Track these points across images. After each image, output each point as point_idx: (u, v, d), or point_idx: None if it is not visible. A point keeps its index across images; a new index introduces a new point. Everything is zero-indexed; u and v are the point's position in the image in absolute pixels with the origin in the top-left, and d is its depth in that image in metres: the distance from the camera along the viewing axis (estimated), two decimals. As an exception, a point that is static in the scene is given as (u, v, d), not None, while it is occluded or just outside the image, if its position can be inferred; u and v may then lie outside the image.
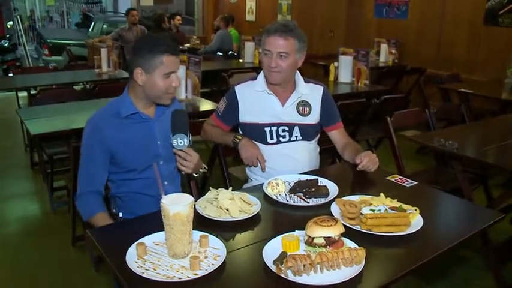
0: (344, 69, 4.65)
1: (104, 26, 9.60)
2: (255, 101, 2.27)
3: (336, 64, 4.77)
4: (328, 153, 3.41)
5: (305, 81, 2.31)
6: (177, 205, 1.28)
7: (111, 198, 1.98)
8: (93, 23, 10.18)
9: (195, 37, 8.18)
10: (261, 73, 2.31)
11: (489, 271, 2.67)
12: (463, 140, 2.60)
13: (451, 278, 2.67)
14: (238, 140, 2.23)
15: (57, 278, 2.70)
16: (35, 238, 3.17)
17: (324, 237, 1.33)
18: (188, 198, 1.32)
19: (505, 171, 2.64)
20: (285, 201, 1.77)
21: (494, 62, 5.22)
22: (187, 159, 1.76)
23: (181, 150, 1.74)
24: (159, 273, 1.25)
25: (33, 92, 4.17)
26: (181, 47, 7.33)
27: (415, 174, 3.10)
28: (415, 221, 1.55)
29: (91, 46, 7.64)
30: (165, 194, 1.34)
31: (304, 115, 2.27)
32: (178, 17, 8.05)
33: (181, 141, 1.71)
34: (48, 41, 9.51)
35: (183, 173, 1.86)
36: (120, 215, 1.94)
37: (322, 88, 2.34)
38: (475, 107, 4.77)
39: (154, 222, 1.54)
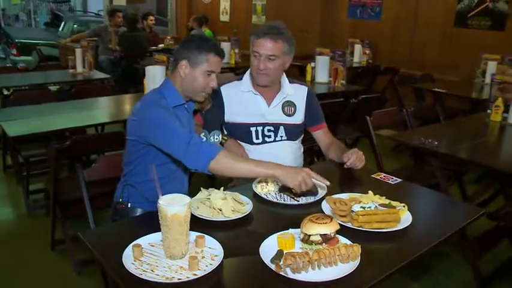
0: (321, 69, 4.70)
1: (75, 25, 9.39)
2: (240, 101, 2.28)
3: (312, 64, 4.82)
4: (307, 153, 3.45)
5: (290, 82, 2.34)
6: (174, 206, 1.28)
7: (123, 188, 1.96)
8: (63, 23, 9.94)
9: (169, 37, 8.11)
10: (247, 73, 2.32)
11: (464, 264, 2.78)
12: (440, 138, 2.67)
13: (433, 273, 2.75)
14: (224, 141, 2.24)
15: (37, 283, 2.64)
16: (10, 243, 3.08)
17: (320, 235, 1.35)
18: (185, 199, 1.32)
19: (482, 167, 2.73)
20: (275, 200, 1.78)
21: (464, 63, 5.38)
22: None
23: None
24: (158, 275, 1.24)
25: (5, 92, 4.05)
26: (154, 48, 7.27)
27: (393, 172, 3.16)
28: (404, 217, 1.60)
29: (63, 46, 7.48)
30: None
31: (289, 115, 2.30)
32: (152, 17, 7.98)
33: (216, 138, 1.86)
34: (16, 40, 9.24)
35: None
36: (129, 205, 1.94)
37: (306, 88, 2.37)
38: (447, 106, 4.90)
39: (146, 223, 1.54)
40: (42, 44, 8.85)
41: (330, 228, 1.36)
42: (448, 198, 2.23)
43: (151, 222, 1.52)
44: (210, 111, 2.21)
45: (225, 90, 2.31)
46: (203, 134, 1.92)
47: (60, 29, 9.82)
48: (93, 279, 2.66)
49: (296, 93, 2.33)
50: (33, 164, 3.50)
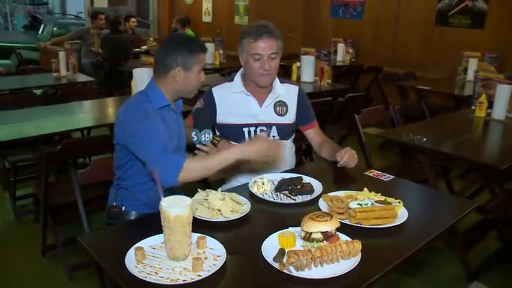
0: (307, 69, 4.73)
1: (55, 28, 9.24)
2: (232, 102, 2.28)
3: (298, 64, 4.85)
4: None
5: (281, 82, 2.35)
6: (177, 207, 1.28)
7: (116, 191, 1.95)
8: (43, 26, 9.77)
9: (151, 39, 8.06)
10: (238, 75, 2.32)
11: (451, 257, 2.85)
12: (428, 135, 2.73)
13: (425, 268, 2.80)
14: (217, 142, 2.24)
15: (29, 290, 2.61)
16: (-1, 250, 3.03)
17: (321, 232, 1.37)
18: (187, 200, 1.33)
19: (470, 162, 2.79)
20: (272, 199, 1.80)
21: (445, 60, 5.49)
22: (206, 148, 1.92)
23: (205, 145, 1.90)
24: (162, 277, 1.24)
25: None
26: (138, 49, 7.21)
27: (381, 170, 3.20)
28: (401, 213, 1.63)
29: (43, 49, 7.37)
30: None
31: (281, 115, 2.31)
32: (133, 19, 7.92)
33: (207, 136, 1.87)
34: (-6, 44, 9.04)
35: None
36: (123, 208, 1.92)
37: (297, 88, 2.39)
38: (430, 103, 4.98)
39: (143, 226, 1.57)
40: (21, 47, 8.70)
41: (330, 226, 1.38)
42: (441, 193, 2.28)
43: (148, 225, 1.53)
44: (200, 110, 2.18)
45: (216, 91, 2.31)
46: (194, 133, 1.92)
47: (40, 31, 9.64)
48: (86, 284, 2.64)
49: (287, 93, 2.34)
50: (19, 169, 3.43)
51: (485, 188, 3.58)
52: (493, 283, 2.67)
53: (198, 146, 1.93)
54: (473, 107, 3.43)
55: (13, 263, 2.85)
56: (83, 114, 3.50)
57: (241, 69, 2.31)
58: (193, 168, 1.68)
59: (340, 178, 2.09)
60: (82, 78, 4.76)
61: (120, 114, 1.84)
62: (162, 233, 1.35)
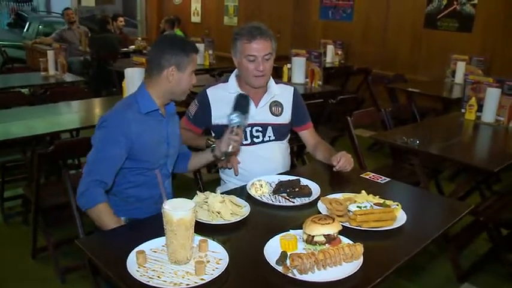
0: (297, 70, 4.74)
1: (40, 26, 9.11)
2: (228, 103, 2.25)
3: (289, 65, 4.86)
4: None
5: (276, 83, 2.35)
6: (180, 211, 1.27)
7: None
8: (28, 23, 9.62)
9: (139, 38, 7.99)
10: (232, 75, 2.32)
11: (442, 259, 2.88)
12: (420, 137, 2.74)
13: (419, 270, 2.83)
14: (212, 143, 2.22)
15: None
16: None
17: (323, 235, 1.37)
18: (190, 203, 1.32)
19: (461, 164, 2.82)
20: (270, 202, 1.79)
21: (434, 63, 5.55)
22: (239, 134, 1.93)
23: (235, 127, 1.91)
24: (165, 281, 1.23)
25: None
26: (125, 49, 7.15)
27: (374, 171, 3.22)
28: (399, 215, 1.64)
29: (29, 48, 7.26)
30: (165, 193, 1.34)
31: (276, 115, 2.31)
32: (121, 19, 7.85)
33: (238, 119, 1.90)
34: (-23, 41, 8.88)
35: (229, 150, 1.94)
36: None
37: (292, 89, 2.40)
38: (419, 105, 5.03)
39: (140, 229, 1.56)
40: (6, 45, 8.55)
41: (333, 229, 1.38)
42: (436, 195, 2.30)
43: (145, 229, 1.54)
44: (197, 113, 2.18)
45: (211, 92, 2.30)
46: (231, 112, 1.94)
47: (25, 30, 9.49)
48: (78, 286, 2.60)
49: (282, 93, 2.34)
50: (7, 170, 3.37)
51: (475, 190, 3.62)
52: (483, 284, 2.71)
53: (231, 128, 1.93)
54: (463, 110, 3.47)
55: (2, 265, 2.79)
56: (72, 115, 3.45)
57: (236, 69, 2.30)
58: (98, 215, 1.70)
59: (337, 180, 2.09)
60: (70, 77, 4.70)
61: (103, 116, 1.82)
62: (160, 236, 1.35)
